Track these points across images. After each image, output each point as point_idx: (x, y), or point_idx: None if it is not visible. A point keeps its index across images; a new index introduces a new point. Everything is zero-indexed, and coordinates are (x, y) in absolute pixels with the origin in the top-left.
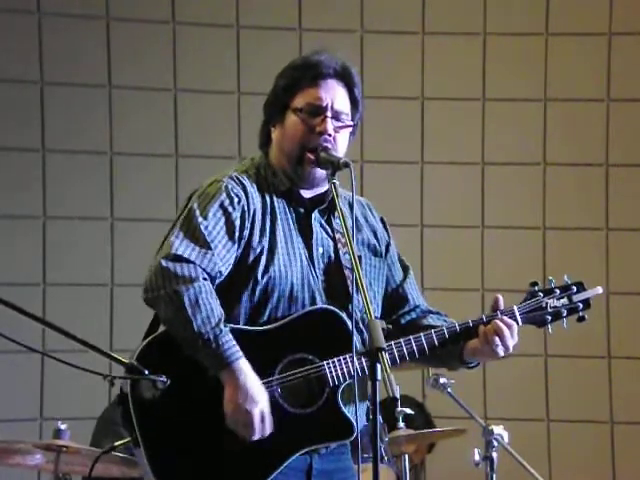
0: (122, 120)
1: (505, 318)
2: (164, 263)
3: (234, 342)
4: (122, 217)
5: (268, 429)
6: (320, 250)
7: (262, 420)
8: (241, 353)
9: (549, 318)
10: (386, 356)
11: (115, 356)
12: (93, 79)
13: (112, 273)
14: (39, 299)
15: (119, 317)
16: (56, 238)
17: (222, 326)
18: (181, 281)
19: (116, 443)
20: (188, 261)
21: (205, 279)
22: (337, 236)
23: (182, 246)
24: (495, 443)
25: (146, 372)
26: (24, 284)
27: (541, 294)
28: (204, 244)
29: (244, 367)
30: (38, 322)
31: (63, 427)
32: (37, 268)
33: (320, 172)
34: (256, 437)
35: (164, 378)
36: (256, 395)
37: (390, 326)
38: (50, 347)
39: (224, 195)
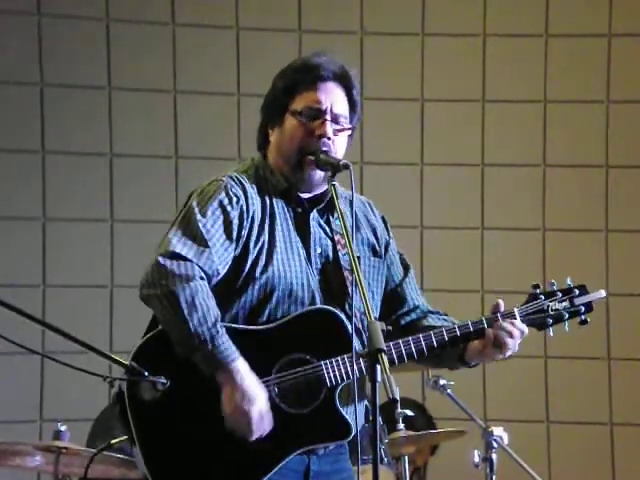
0: (122, 121)
1: (517, 322)
2: (161, 260)
3: (231, 343)
4: (122, 219)
5: (267, 428)
6: (318, 250)
7: (261, 419)
8: (238, 354)
9: (550, 321)
10: (385, 357)
11: (115, 357)
12: (93, 80)
13: (112, 274)
14: (39, 300)
15: (119, 318)
16: (56, 239)
17: (219, 327)
18: (177, 280)
19: (112, 441)
20: (185, 259)
21: (202, 278)
22: (336, 237)
23: (180, 244)
24: (495, 444)
25: (145, 373)
26: (24, 285)
27: (542, 297)
28: (202, 242)
29: (241, 367)
30: (38, 323)
31: (63, 428)
32: (37, 269)
33: (320, 174)
34: (255, 436)
35: (164, 379)
36: (254, 395)
37: (390, 327)
38: (50, 348)
39: (223, 194)
